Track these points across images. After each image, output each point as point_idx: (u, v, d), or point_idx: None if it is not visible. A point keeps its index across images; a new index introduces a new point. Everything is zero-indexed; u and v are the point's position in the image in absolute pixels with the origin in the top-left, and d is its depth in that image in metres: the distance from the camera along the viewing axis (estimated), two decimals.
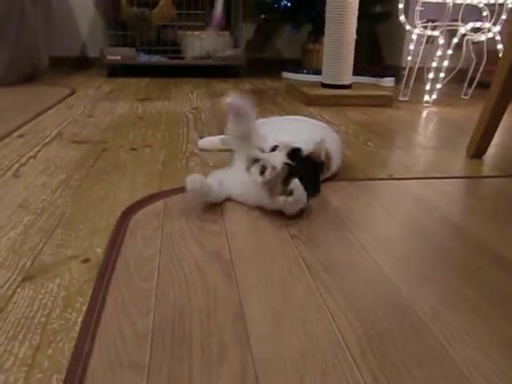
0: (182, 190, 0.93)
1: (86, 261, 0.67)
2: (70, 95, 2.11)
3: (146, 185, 0.97)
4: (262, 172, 0.79)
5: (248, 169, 0.81)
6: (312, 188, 0.81)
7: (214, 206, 0.85)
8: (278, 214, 0.81)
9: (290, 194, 0.77)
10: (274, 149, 0.83)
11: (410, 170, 1.12)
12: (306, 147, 0.85)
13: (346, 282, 0.61)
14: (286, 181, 0.77)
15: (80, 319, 0.53)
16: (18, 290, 0.59)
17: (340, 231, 0.76)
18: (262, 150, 0.83)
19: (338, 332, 0.51)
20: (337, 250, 0.70)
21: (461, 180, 1.06)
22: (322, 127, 1.10)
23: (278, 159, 0.79)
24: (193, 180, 0.81)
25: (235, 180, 0.87)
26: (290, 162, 0.79)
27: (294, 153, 0.81)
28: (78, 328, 0.52)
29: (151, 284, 0.60)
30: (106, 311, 0.55)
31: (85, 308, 0.55)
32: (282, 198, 0.77)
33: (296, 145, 0.83)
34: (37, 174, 1.03)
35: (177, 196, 0.90)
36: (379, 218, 0.83)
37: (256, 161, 0.80)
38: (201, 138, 1.31)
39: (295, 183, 0.77)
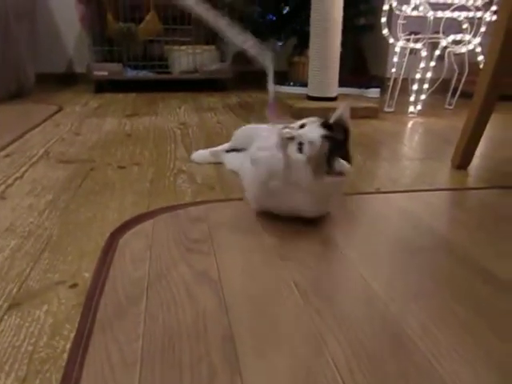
0: (170, 208, 0.94)
1: (74, 286, 0.66)
2: (56, 112, 2.10)
3: (134, 204, 0.97)
4: (299, 149, 0.75)
5: (282, 148, 0.77)
6: (348, 160, 0.78)
7: (202, 225, 0.86)
8: (267, 231, 0.81)
9: (339, 173, 0.74)
10: (302, 126, 0.79)
11: (396, 183, 1.13)
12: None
13: (334, 300, 0.61)
14: (331, 158, 0.74)
15: (68, 346, 0.53)
16: (5, 317, 0.59)
17: (328, 248, 0.77)
18: (292, 128, 0.79)
19: (328, 352, 0.52)
20: (325, 268, 0.70)
21: (446, 192, 1.07)
22: None
23: (315, 133, 0.75)
24: None
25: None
26: (327, 133, 0.75)
27: (326, 124, 0.78)
28: (65, 356, 0.51)
29: (140, 307, 0.60)
30: (95, 338, 0.54)
31: (72, 335, 0.55)
32: (330, 179, 0.75)
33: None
34: (23, 196, 1.02)
35: (165, 215, 0.90)
36: (367, 234, 0.83)
37: (290, 139, 0.76)
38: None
39: (342, 164, 0.73)
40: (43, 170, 1.22)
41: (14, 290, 0.65)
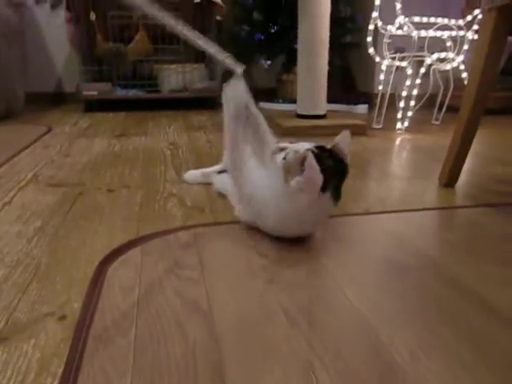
0: (159, 234, 0.94)
1: (63, 318, 0.65)
2: (46, 133, 2.10)
3: (123, 229, 0.97)
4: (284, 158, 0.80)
5: (272, 156, 0.82)
6: (336, 190, 0.80)
7: (192, 250, 0.86)
8: (256, 255, 0.82)
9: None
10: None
11: (385, 203, 1.14)
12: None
13: (324, 329, 0.62)
14: (327, 183, 0.77)
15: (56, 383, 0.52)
16: None
17: (317, 272, 0.77)
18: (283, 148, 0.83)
19: (318, 383, 0.52)
20: (315, 293, 0.71)
21: (434, 211, 1.08)
22: None
23: (302, 146, 0.79)
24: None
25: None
26: (314, 149, 0.78)
27: (321, 148, 0.81)
28: None
29: (129, 339, 0.60)
30: (83, 372, 0.54)
31: (61, 370, 0.54)
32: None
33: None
34: (12, 222, 1.02)
35: (155, 241, 0.90)
36: (356, 257, 0.84)
37: (281, 149, 0.82)
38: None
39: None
40: (32, 194, 1.21)
41: (2, 324, 0.64)
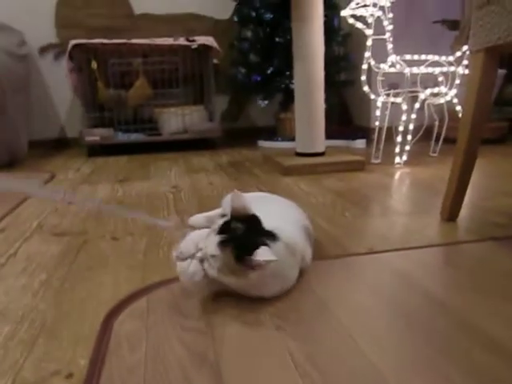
0: (164, 283, 0.94)
1: (70, 376, 0.65)
2: (49, 180, 2.13)
3: (128, 279, 0.97)
4: (209, 264, 0.76)
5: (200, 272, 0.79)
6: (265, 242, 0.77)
7: (197, 300, 0.85)
8: (262, 303, 0.81)
9: (255, 266, 0.74)
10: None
11: (388, 241, 1.14)
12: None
13: (335, 379, 0.61)
14: (239, 258, 0.74)
15: None
16: None
17: (325, 318, 0.76)
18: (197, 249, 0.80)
19: None
20: (323, 341, 0.70)
21: (438, 248, 1.08)
22: (294, 208, 1.10)
23: (211, 245, 0.76)
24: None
25: None
26: (223, 237, 0.75)
27: (224, 227, 0.78)
28: None
29: None
30: None
31: None
32: (253, 275, 0.75)
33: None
34: (17, 275, 1.02)
35: (160, 290, 0.90)
36: (363, 300, 0.83)
37: (201, 261, 0.78)
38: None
39: (257, 254, 0.72)
40: (37, 245, 1.22)
41: None
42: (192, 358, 0.67)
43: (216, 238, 0.76)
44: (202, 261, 0.78)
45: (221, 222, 0.80)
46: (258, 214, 1.00)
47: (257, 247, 0.74)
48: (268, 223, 0.86)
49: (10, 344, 0.74)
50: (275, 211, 0.99)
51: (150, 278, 0.96)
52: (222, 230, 0.78)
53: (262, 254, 0.73)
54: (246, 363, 0.65)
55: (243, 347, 0.69)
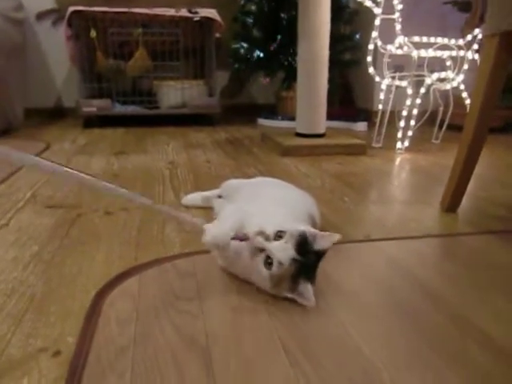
0: (157, 262, 0.92)
1: (57, 354, 0.64)
2: (44, 150, 2.09)
3: (121, 256, 0.95)
4: (268, 262, 0.74)
5: (252, 256, 0.76)
6: (312, 278, 0.76)
7: (191, 281, 0.84)
8: (259, 289, 0.80)
9: (300, 293, 0.73)
10: (279, 234, 0.75)
11: (386, 229, 1.13)
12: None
13: (325, 369, 0.60)
14: (295, 279, 0.73)
15: None
16: None
17: (318, 306, 0.75)
18: (267, 237, 0.75)
19: None
20: (316, 330, 0.69)
21: (437, 239, 1.07)
22: (299, 193, 1.08)
23: (286, 254, 0.73)
24: None
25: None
26: (297, 257, 0.73)
27: (301, 243, 0.74)
28: None
29: (125, 380, 0.58)
30: None
31: None
32: (290, 295, 0.74)
33: (301, 228, 0.76)
34: (8, 247, 1.00)
35: (152, 270, 0.88)
36: (358, 289, 0.82)
37: (261, 250, 0.75)
38: None
39: (307, 287, 0.73)
40: (29, 216, 1.20)
41: None
42: (182, 340, 0.66)
43: (291, 252, 0.73)
44: (268, 257, 0.74)
45: (298, 234, 0.75)
46: (261, 200, 0.97)
47: (311, 281, 0.74)
48: (267, 212, 0.84)
49: None
50: (279, 198, 0.97)
51: (143, 256, 0.95)
52: (299, 246, 0.74)
53: (308, 292, 0.73)
54: (237, 348, 0.64)
55: (235, 332, 0.68)
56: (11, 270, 0.89)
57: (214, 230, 0.80)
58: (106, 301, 0.76)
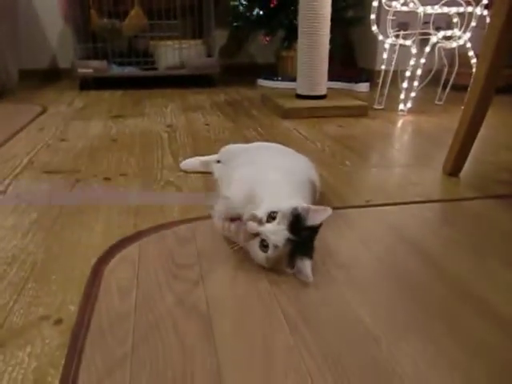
0: (157, 229, 0.92)
1: (59, 322, 0.64)
2: (41, 114, 2.06)
3: (120, 223, 0.95)
4: (263, 245, 0.73)
5: (246, 240, 0.76)
6: (309, 254, 0.75)
7: (190, 247, 0.84)
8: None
9: (298, 270, 0.73)
10: (271, 216, 0.74)
11: (387, 194, 1.12)
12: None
13: (324, 336, 0.60)
14: (292, 257, 0.73)
15: None
16: None
17: (319, 273, 0.75)
18: (259, 220, 0.73)
19: None
20: (316, 297, 0.69)
21: (439, 204, 1.06)
22: (299, 158, 1.06)
23: (280, 236, 0.72)
24: None
25: None
26: (292, 237, 0.72)
27: (295, 222, 0.73)
28: None
29: (126, 347, 0.59)
30: None
31: (57, 382, 0.53)
32: (289, 271, 0.74)
33: (293, 206, 0.74)
34: (7, 214, 1.00)
35: (152, 237, 0.88)
36: (358, 255, 0.82)
37: (256, 234, 0.74)
38: None
39: (305, 264, 0.72)
40: (27, 182, 1.19)
41: None
42: (182, 308, 0.66)
43: (285, 233, 0.72)
44: (263, 241, 0.73)
45: (290, 212, 0.73)
46: (257, 164, 0.95)
47: (308, 257, 0.74)
48: (266, 178, 0.83)
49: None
50: (278, 165, 0.94)
51: (142, 223, 0.94)
52: (293, 225, 0.73)
53: (306, 268, 0.72)
54: (237, 315, 0.65)
55: (235, 299, 0.69)
56: (11, 238, 0.89)
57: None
58: (107, 268, 0.77)
